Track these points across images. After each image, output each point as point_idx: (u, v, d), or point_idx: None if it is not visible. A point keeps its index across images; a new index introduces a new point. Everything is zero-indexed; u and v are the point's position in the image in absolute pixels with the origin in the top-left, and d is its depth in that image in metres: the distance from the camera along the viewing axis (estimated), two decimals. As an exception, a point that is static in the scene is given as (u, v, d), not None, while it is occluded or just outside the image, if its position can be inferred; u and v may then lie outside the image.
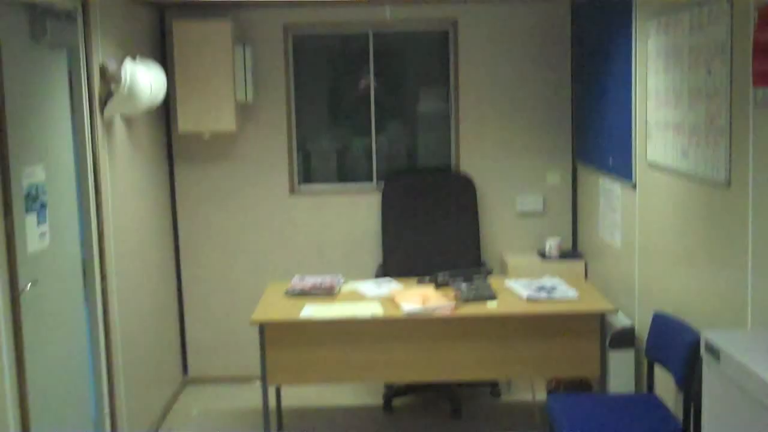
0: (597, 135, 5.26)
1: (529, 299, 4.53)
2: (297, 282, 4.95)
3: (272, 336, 4.42)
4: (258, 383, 4.99)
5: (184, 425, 5.29)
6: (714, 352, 2.40)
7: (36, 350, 3.51)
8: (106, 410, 4.32)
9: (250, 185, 5.88)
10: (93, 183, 4.23)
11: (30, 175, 3.53)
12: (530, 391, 5.45)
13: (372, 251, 5.88)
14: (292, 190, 5.91)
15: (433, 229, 5.72)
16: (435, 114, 6.02)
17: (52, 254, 3.75)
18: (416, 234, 5.72)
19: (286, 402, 5.26)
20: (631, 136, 4.57)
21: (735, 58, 3.26)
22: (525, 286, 4.72)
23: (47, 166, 3.72)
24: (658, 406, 3.87)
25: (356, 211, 5.91)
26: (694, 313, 3.76)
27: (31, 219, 3.54)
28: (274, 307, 4.62)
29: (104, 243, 4.30)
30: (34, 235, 3.55)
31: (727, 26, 3.30)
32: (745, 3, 3.15)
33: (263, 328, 4.42)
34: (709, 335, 2.48)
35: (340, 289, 4.87)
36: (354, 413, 5.38)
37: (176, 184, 5.85)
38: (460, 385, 5.38)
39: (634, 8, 4.49)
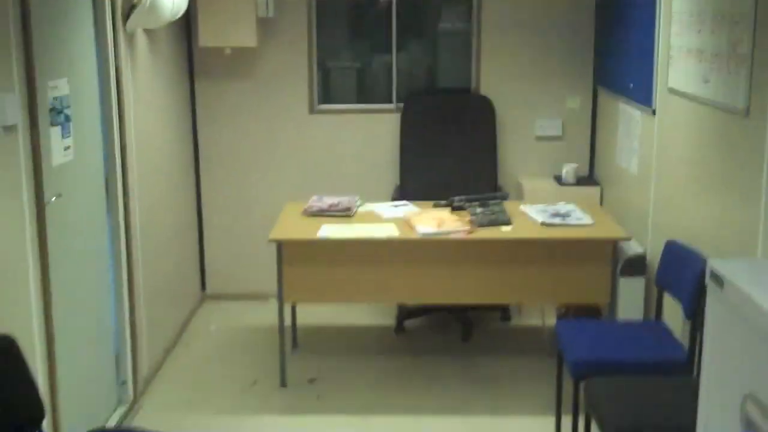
0: (618, 60, 5.22)
1: (544, 224, 4.57)
2: (315, 202, 5.00)
3: (289, 255, 4.50)
4: (274, 301, 5.08)
5: (202, 341, 5.42)
6: (718, 280, 2.42)
7: (60, 262, 3.59)
8: (127, 323, 4.42)
9: (269, 103, 5.89)
10: (116, 97, 4.26)
11: (54, 88, 3.57)
12: (540, 316, 5.53)
13: (390, 172, 5.90)
14: (311, 110, 5.91)
15: (451, 151, 5.73)
16: (456, 33, 5.95)
17: (76, 168, 3.81)
18: (434, 156, 5.73)
19: (300, 320, 5.36)
20: (652, 61, 4.53)
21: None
22: (540, 211, 4.76)
23: (71, 80, 3.74)
24: (665, 334, 3.91)
25: (375, 132, 5.92)
26: (705, 243, 3.78)
27: (56, 132, 3.59)
28: (291, 226, 4.69)
29: (126, 157, 4.35)
30: (58, 149, 3.61)
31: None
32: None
33: (281, 247, 4.49)
34: (714, 263, 2.49)
35: (357, 210, 4.93)
36: (366, 333, 5.48)
37: (197, 99, 5.87)
38: (471, 309, 5.46)
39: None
